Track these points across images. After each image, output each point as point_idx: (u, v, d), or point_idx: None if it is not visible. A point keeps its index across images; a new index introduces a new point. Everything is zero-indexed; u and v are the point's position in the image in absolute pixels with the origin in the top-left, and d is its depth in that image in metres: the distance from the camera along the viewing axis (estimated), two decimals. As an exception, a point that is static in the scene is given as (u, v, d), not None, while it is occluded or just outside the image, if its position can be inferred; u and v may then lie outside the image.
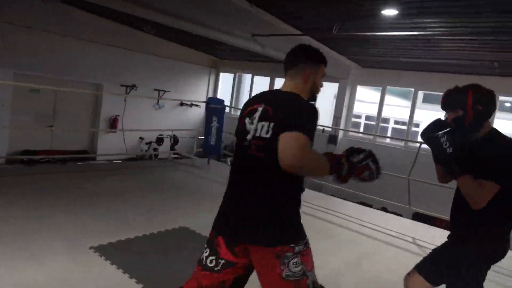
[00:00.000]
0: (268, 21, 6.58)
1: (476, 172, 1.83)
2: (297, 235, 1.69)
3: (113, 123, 9.61)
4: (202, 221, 4.22)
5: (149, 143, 10.06)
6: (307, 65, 1.80)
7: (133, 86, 9.73)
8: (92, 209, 4.18)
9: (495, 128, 2.01)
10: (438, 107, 2.18)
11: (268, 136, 1.65)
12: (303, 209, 4.18)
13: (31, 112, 8.23)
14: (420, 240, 4.55)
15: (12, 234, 3.29)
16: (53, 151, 8.20)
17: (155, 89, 10.37)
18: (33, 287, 2.56)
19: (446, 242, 2.14)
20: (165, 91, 10.50)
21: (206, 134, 7.18)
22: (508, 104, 13.59)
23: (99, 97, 9.50)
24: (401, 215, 6.07)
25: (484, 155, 1.86)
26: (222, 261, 1.72)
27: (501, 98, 8.12)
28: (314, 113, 1.66)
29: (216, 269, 1.72)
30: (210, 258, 1.74)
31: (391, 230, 4.78)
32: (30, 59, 7.83)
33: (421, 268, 2.15)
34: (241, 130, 1.77)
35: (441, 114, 3.10)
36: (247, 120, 1.75)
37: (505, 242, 1.97)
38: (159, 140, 10.22)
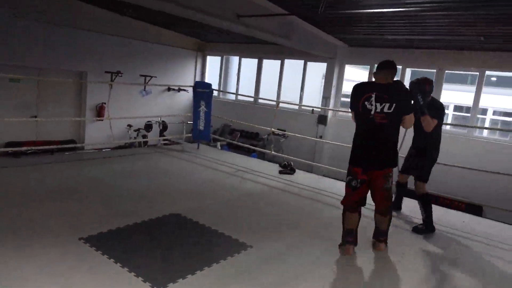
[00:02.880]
0: (253, 1, 6.44)
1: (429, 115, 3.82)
2: (394, 165, 3.31)
3: (99, 111, 9.44)
4: (193, 207, 4.23)
5: (138, 130, 9.93)
6: (394, 71, 3.21)
7: (118, 73, 9.51)
8: (81, 199, 4.13)
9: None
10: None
11: (390, 111, 3.05)
12: (295, 190, 4.20)
13: (12, 102, 8.02)
14: (408, 215, 4.61)
15: (0, 228, 3.24)
16: (39, 142, 8.06)
17: (141, 75, 10.18)
18: (23, 280, 2.53)
19: (409, 152, 4.33)
20: (151, 77, 10.31)
21: (195, 119, 7.10)
22: (494, 79, 13.68)
23: (83, 85, 9.29)
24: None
25: (429, 106, 3.86)
26: (359, 180, 3.22)
27: (488, 72, 8.14)
28: (410, 95, 3.47)
29: (358, 186, 3.23)
30: (354, 181, 3.24)
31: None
32: (9, 48, 7.59)
33: (401, 169, 4.40)
34: (362, 109, 3.13)
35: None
36: (366, 103, 3.10)
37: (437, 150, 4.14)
38: (148, 127, 10.10)
